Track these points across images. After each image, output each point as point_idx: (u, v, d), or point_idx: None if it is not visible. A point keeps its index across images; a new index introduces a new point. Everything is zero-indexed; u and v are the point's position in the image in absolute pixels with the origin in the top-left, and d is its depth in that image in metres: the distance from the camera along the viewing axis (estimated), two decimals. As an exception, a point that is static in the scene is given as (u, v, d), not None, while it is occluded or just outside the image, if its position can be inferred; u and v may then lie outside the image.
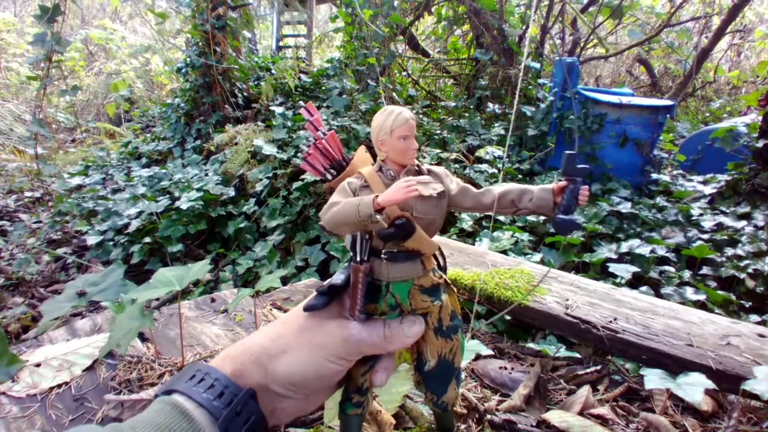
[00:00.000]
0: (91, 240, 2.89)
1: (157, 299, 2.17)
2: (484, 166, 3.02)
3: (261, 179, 3.11)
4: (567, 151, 0.52)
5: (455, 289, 0.58)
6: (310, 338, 0.48)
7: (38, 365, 0.89)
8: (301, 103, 4.46)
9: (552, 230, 2.56)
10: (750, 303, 1.93)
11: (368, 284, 0.50)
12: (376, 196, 0.45)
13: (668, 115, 3.11)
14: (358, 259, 0.49)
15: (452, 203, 0.54)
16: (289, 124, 3.51)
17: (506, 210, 0.54)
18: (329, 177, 0.57)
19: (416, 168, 0.54)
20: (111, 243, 2.91)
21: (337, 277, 0.51)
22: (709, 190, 2.95)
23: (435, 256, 0.55)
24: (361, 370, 0.55)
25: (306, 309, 0.49)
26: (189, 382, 0.44)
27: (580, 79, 4.03)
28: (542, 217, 2.58)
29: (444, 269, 0.57)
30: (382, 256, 0.50)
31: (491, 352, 1.03)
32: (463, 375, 1.01)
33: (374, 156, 0.56)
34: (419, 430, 0.76)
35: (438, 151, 3.21)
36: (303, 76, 5.06)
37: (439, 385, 0.59)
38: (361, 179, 0.52)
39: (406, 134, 0.51)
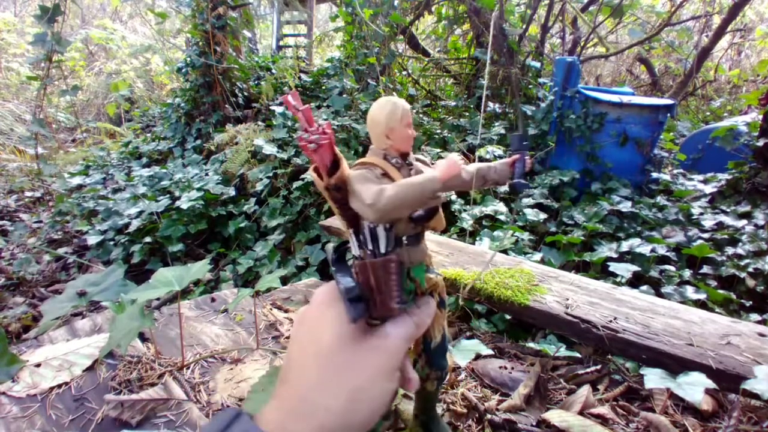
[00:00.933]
0: (92, 240, 2.89)
1: (158, 299, 2.17)
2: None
3: (261, 179, 3.11)
4: (514, 134, 0.75)
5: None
6: (367, 372, 0.42)
7: (38, 365, 0.90)
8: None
9: (552, 229, 2.56)
10: (750, 302, 1.93)
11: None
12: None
13: (669, 114, 3.11)
14: (383, 251, 0.48)
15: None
16: (289, 123, 3.51)
17: (480, 183, 0.65)
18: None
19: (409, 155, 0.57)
20: (111, 243, 2.91)
21: (345, 281, 0.46)
22: (709, 189, 2.94)
23: None
24: None
25: (354, 321, 0.42)
26: None
27: (581, 79, 4.02)
28: (542, 217, 2.58)
29: None
30: (404, 241, 0.51)
31: (491, 352, 1.03)
32: (463, 374, 1.01)
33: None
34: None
35: (438, 150, 3.21)
36: (303, 76, 5.05)
37: (443, 358, 0.63)
38: (375, 168, 0.52)
39: (411, 122, 0.54)
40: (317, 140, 0.45)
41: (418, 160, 0.57)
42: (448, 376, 0.68)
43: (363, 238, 0.49)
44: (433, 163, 0.56)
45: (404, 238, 0.51)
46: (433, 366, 0.62)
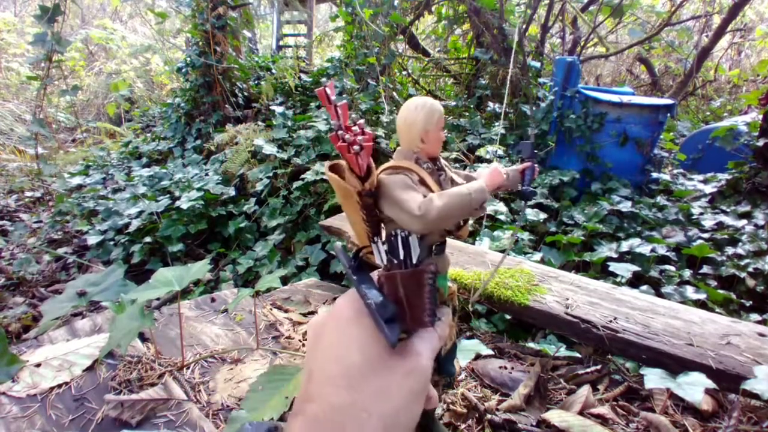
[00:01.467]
0: (92, 240, 2.89)
1: (158, 299, 2.17)
2: (484, 165, 3.02)
3: (261, 179, 3.11)
4: (525, 141, 0.73)
5: None
6: (401, 397, 0.40)
7: (38, 365, 0.90)
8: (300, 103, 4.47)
9: (552, 229, 2.56)
10: (750, 302, 1.93)
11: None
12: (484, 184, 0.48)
13: (669, 114, 3.11)
14: (415, 261, 0.45)
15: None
16: (289, 123, 3.51)
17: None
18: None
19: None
20: (111, 243, 2.91)
21: (372, 295, 0.42)
22: (709, 189, 2.94)
23: None
24: None
25: (394, 345, 0.40)
26: None
27: (581, 78, 4.02)
28: (542, 216, 2.58)
29: None
30: (434, 250, 0.50)
31: (491, 352, 1.03)
32: (463, 374, 1.01)
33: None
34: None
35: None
36: (303, 76, 5.05)
37: (452, 364, 0.62)
38: (412, 174, 0.50)
39: (443, 125, 0.53)
40: (361, 142, 0.41)
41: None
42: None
43: (391, 246, 0.45)
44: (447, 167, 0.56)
45: (433, 246, 0.50)
46: (443, 373, 0.62)
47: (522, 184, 0.70)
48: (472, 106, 4.18)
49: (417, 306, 0.42)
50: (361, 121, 0.44)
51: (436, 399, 0.50)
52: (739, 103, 6.06)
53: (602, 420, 0.83)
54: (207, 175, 3.38)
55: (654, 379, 0.79)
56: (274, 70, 5.01)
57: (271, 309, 1.24)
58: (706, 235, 2.41)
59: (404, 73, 5.34)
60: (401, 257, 0.44)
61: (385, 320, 0.39)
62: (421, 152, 0.52)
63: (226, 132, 3.88)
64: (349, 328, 0.42)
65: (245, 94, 4.67)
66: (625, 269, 2.04)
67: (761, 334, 0.96)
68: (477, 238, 2.31)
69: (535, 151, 0.73)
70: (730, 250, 2.23)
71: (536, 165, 0.72)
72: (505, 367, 1.01)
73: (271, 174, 3.10)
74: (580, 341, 1.09)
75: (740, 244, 2.27)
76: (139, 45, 7.69)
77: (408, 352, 0.42)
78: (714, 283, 2.07)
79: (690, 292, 1.95)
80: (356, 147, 0.41)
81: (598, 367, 1.06)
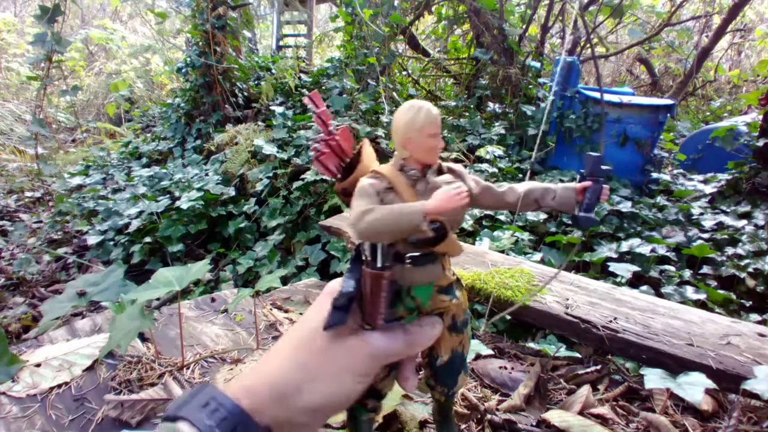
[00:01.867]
0: (92, 240, 2.89)
1: (158, 299, 2.17)
2: (484, 166, 3.02)
3: (261, 179, 3.11)
4: (592, 153, 0.54)
5: (463, 284, 0.57)
6: (335, 363, 0.45)
7: (38, 365, 0.89)
8: (303, 101, 4.46)
9: (552, 229, 2.56)
10: (750, 302, 1.93)
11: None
12: (423, 205, 0.44)
13: (668, 115, 3.11)
14: (379, 265, 0.45)
15: (474, 202, 0.53)
16: (289, 123, 3.51)
17: (528, 207, 0.55)
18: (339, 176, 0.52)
19: (438, 167, 0.51)
20: (111, 243, 2.91)
21: (347, 285, 0.46)
22: (709, 189, 2.94)
23: None
24: (379, 376, 0.54)
25: (326, 328, 0.44)
26: (201, 412, 0.40)
27: (581, 79, 4.03)
28: (542, 216, 2.58)
29: None
30: (406, 261, 0.48)
31: (491, 352, 1.03)
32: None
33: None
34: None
35: (438, 150, 3.21)
36: (303, 76, 5.06)
37: (451, 377, 0.59)
38: (383, 180, 0.48)
39: (435, 132, 0.48)
40: (318, 149, 0.46)
41: (451, 170, 0.52)
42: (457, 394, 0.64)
43: (363, 247, 0.47)
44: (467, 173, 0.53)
45: (407, 256, 0.48)
46: (438, 382, 0.60)
47: (579, 209, 0.56)
48: (472, 106, 4.18)
49: (373, 305, 0.45)
50: (342, 127, 0.48)
51: (411, 384, 0.52)
52: (739, 103, 6.06)
53: (602, 420, 0.83)
54: (207, 175, 3.38)
55: (654, 379, 0.79)
56: (274, 71, 5.01)
57: (271, 309, 1.24)
58: (706, 236, 2.41)
59: (404, 73, 5.34)
60: (368, 257, 0.46)
61: (334, 306, 0.44)
62: (410, 159, 0.49)
63: (226, 132, 3.88)
64: (322, 302, 0.48)
65: (245, 94, 4.68)
66: (625, 269, 2.04)
67: (761, 335, 0.96)
68: (477, 238, 2.31)
69: (605, 167, 0.54)
70: (730, 251, 2.23)
71: (605, 186, 0.56)
72: (505, 367, 1.01)
73: (271, 174, 3.10)
74: (580, 341, 1.09)
75: (740, 244, 2.27)
76: (139, 45, 7.70)
77: (362, 335, 0.46)
78: (714, 284, 2.07)
79: (690, 292, 1.95)
80: (312, 153, 0.46)
81: (598, 367, 1.06)
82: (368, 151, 0.52)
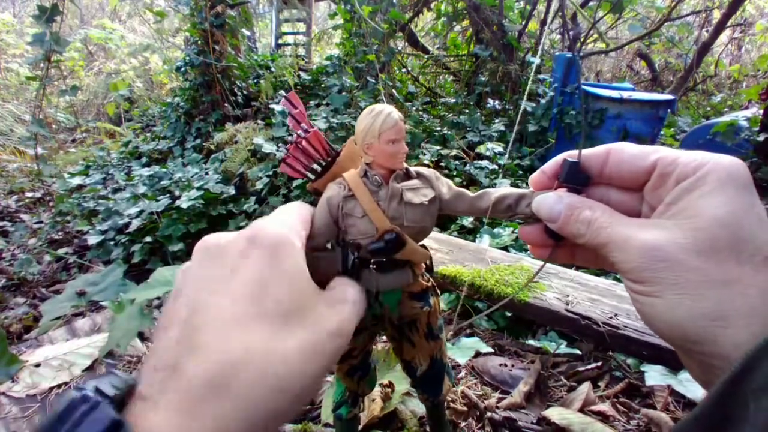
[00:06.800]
0: (92, 240, 2.89)
1: (157, 298, 2.16)
2: (484, 163, 3.01)
3: (261, 177, 3.11)
4: (568, 159, 0.44)
5: (438, 291, 0.56)
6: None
7: (38, 365, 0.90)
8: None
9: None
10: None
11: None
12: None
13: (669, 110, 3.10)
14: (339, 268, 0.45)
15: (445, 208, 0.51)
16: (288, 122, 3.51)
17: (502, 214, 0.50)
18: (311, 176, 0.52)
19: (404, 172, 0.49)
20: (112, 242, 2.91)
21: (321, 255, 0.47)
22: (710, 184, 2.93)
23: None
24: (354, 377, 0.56)
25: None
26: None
27: (581, 74, 4.01)
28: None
29: (431, 270, 0.55)
30: (371, 266, 0.47)
31: (491, 350, 1.03)
32: (463, 372, 1.01)
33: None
34: (408, 432, 0.75)
35: (438, 147, 3.20)
36: (302, 74, 5.05)
37: (435, 386, 0.59)
38: (344, 188, 0.47)
39: (395, 137, 0.46)
40: (288, 152, 0.49)
41: (420, 175, 0.49)
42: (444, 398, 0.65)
43: (340, 257, 0.47)
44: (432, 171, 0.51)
45: (372, 262, 0.47)
46: (422, 391, 0.60)
47: None
48: (471, 103, 4.18)
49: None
50: (312, 130, 0.50)
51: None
52: (739, 98, 6.04)
53: (603, 417, 0.82)
54: (207, 174, 3.38)
55: (655, 375, 0.79)
56: (273, 69, 5.00)
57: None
58: (707, 231, 2.40)
59: (404, 70, 5.33)
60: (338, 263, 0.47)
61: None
62: (373, 164, 0.48)
63: (226, 131, 3.88)
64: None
65: (245, 92, 4.67)
66: (626, 266, 2.03)
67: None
68: (477, 236, 2.31)
69: (585, 174, 0.43)
70: (731, 246, 2.22)
71: (582, 195, 0.46)
72: (505, 365, 1.00)
73: (270, 173, 3.10)
74: (580, 338, 1.08)
75: (741, 239, 2.26)
76: (138, 44, 7.68)
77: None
78: (715, 279, 2.06)
79: (691, 288, 1.94)
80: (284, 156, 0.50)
81: (599, 364, 1.06)
82: (351, 150, 0.51)
